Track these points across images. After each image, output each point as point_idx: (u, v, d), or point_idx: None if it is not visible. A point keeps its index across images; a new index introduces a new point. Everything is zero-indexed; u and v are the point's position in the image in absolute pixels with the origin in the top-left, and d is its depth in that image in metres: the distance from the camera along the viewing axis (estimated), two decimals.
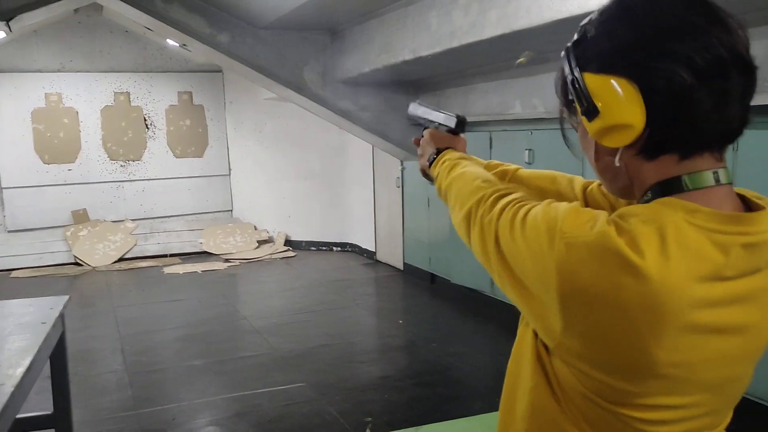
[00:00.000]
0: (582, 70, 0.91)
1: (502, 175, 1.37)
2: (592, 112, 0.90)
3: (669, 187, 0.89)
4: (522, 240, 0.91)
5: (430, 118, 1.43)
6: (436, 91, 6.60)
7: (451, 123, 1.40)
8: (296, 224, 9.51)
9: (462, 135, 1.42)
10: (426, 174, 1.41)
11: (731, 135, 0.90)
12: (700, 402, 0.92)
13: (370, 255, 8.69)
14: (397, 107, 6.94)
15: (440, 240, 6.87)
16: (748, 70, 0.87)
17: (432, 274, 7.15)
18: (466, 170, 1.20)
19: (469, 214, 1.07)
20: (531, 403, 0.99)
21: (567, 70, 0.93)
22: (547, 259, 0.86)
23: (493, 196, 1.03)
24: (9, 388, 2.07)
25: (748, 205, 0.93)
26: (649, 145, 0.90)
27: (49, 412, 3.25)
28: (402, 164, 7.60)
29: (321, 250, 9.36)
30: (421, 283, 7.25)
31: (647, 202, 0.90)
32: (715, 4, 0.88)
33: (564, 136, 1.01)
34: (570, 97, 0.94)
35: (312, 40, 6.41)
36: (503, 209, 0.98)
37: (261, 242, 9.45)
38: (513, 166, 1.42)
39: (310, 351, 5.15)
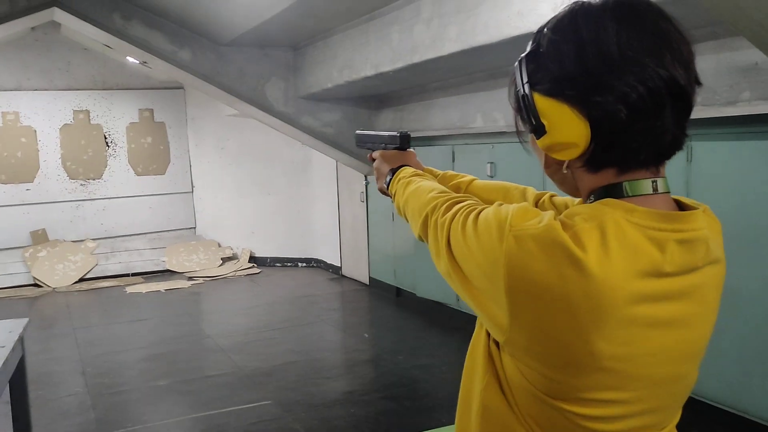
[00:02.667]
0: (532, 88, 0.97)
1: (456, 188, 1.43)
2: (539, 130, 0.97)
3: (611, 192, 0.96)
4: (474, 238, 0.96)
5: (376, 141, 1.50)
6: (398, 106, 6.67)
7: (396, 141, 1.47)
8: (260, 240, 9.46)
9: (410, 149, 1.49)
10: (385, 193, 1.45)
11: (667, 153, 0.97)
12: (643, 397, 0.96)
13: (335, 270, 8.69)
14: (359, 122, 6.99)
15: (405, 254, 6.91)
16: (684, 96, 0.93)
17: (397, 287, 7.18)
18: (421, 185, 1.25)
19: (425, 221, 1.12)
20: (483, 403, 1.03)
21: (519, 83, 0.99)
22: (497, 252, 0.91)
23: (447, 203, 1.09)
24: None
25: (683, 210, 0.99)
26: (592, 160, 0.97)
27: None
28: (366, 179, 7.63)
29: (286, 266, 9.32)
30: (386, 297, 7.27)
31: (591, 203, 0.97)
32: (659, 23, 0.93)
33: (520, 138, 1.07)
34: (521, 110, 1.00)
35: (274, 57, 6.43)
36: (456, 213, 1.03)
37: (225, 259, 9.38)
38: (468, 178, 1.49)
39: (275, 368, 5.13)
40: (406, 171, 1.37)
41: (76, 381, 5.03)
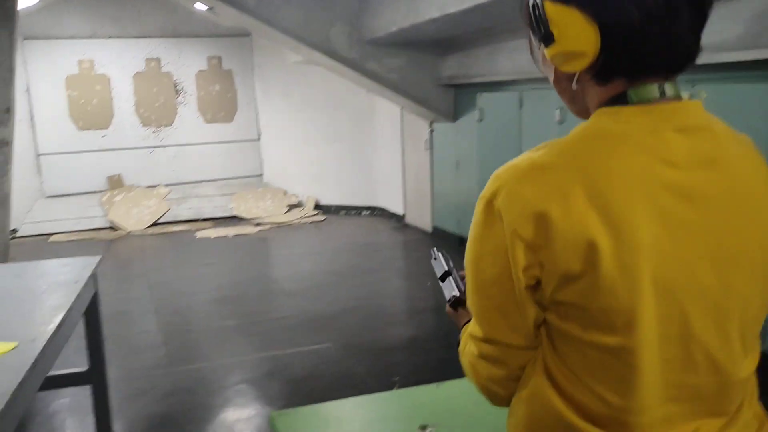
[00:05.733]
0: None
1: None
2: (548, 38, 0.96)
3: (615, 103, 0.96)
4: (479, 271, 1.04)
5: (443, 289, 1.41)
6: (464, 51, 6.49)
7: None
8: (325, 188, 9.53)
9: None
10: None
11: (680, 64, 0.95)
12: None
13: (398, 218, 8.69)
14: (425, 68, 6.86)
15: (469, 202, 6.83)
16: (699, 4, 0.91)
17: (460, 236, 7.13)
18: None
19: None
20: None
21: None
22: (498, 231, 0.98)
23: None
24: (41, 343, 2.12)
25: None
26: (602, 71, 0.96)
27: (84, 369, 3.35)
28: (430, 126, 7.53)
29: (350, 213, 9.39)
30: (450, 246, 7.21)
31: None
32: None
33: (533, 56, 1.08)
34: (531, 21, 1.00)
35: (339, 1, 6.33)
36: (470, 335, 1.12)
37: (291, 206, 9.51)
38: None
39: (338, 313, 5.20)
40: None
41: (149, 320, 5.24)
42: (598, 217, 0.90)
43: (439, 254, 1.46)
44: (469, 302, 1.06)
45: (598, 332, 0.93)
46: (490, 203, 0.97)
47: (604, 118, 0.95)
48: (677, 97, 0.96)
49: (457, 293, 1.31)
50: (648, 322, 0.91)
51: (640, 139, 0.93)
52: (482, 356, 1.04)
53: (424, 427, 1.77)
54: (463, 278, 1.32)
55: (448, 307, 1.32)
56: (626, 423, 0.95)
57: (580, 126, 0.99)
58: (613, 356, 0.93)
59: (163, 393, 3.88)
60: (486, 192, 0.98)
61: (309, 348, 4.47)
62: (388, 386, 3.78)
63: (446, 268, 1.38)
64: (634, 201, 0.91)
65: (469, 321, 1.23)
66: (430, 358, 4.21)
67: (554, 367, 0.99)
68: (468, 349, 1.09)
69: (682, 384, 0.95)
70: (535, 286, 0.97)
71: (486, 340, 1.03)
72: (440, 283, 1.38)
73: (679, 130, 0.93)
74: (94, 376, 3.34)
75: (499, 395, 1.08)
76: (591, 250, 0.89)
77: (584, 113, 1.03)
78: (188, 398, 3.80)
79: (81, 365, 3.35)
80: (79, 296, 2.76)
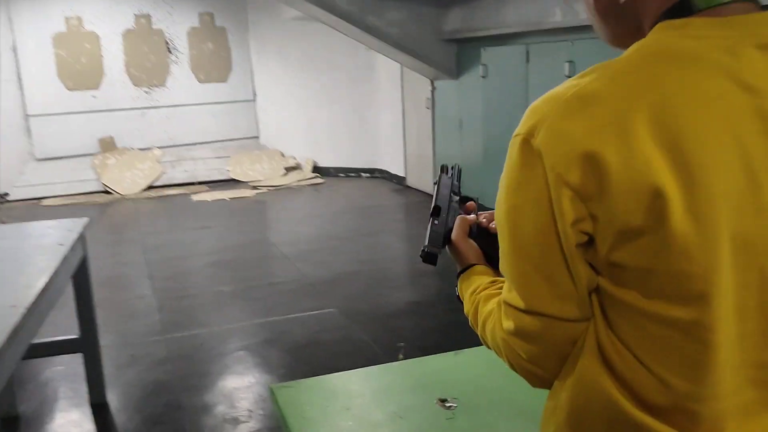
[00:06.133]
0: None
1: None
2: None
3: (676, 13, 0.78)
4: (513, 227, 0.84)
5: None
6: (468, 2, 6.21)
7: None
8: (324, 150, 9.30)
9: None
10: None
11: None
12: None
13: (399, 180, 8.49)
14: (426, 22, 6.59)
15: (472, 163, 6.62)
16: None
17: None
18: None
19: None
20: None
21: None
22: (538, 176, 0.78)
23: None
24: (21, 309, 1.95)
25: None
26: None
27: (75, 336, 3.18)
28: (432, 84, 7.28)
29: (349, 176, 9.17)
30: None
31: None
32: None
33: None
34: None
35: None
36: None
37: (288, 169, 9.30)
38: None
39: (339, 277, 5.04)
40: (469, 282, 1.06)
41: (144, 284, 5.07)
42: (665, 158, 0.71)
43: (442, 176, 1.19)
44: (504, 265, 0.86)
45: (664, 302, 0.75)
46: (526, 142, 0.78)
47: (668, 33, 0.77)
48: (756, 3, 0.76)
49: (426, 244, 1.06)
50: (726, 289, 0.73)
51: (716, 58, 0.74)
52: (520, 331, 0.85)
53: (444, 401, 1.59)
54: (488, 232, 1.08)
55: (427, 244, 1.07)
56: (693, 413, 0.77)
57: (636, 45, 0.79)
58: (681, 332, 0.75)
59: (158, 360, 3.72)
60: (521, 128, 0.80)
61: (310, 314, 4.31)
62: (394, 352, 3.63)
63: (435, 203, 1.11)
64: (709, 137, 0.71)
65: (467, 268, 1.05)
66: (436, 323, 4.06)
67: (607, 343, 0.80)
68: (497, 321, 0.89)
69: (762, 364, 0.78)
70: (587, 244, 0.78)
71: (527, 311, 0.83)
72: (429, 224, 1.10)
73: (763, 46, 0.74)
74: (86, 344, 3.18)
75: (542, 377, 0.89)
76: (657, 199, 0.71)
77: (632, 35, 0.83)
78: (184, 366, 3.64)
79: (74, 332, 3.19)
80: (65, 259, 2.57)
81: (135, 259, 5.79)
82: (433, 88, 7.27)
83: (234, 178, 9.13)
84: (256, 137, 9.77)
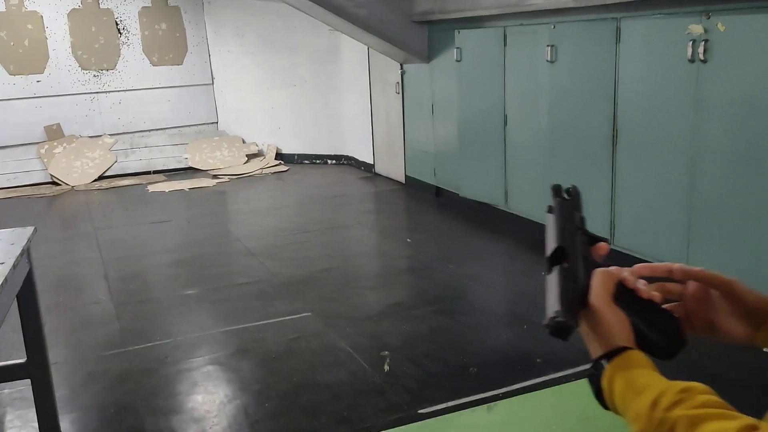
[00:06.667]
0: None
1: None
2: None
3: None
4: None
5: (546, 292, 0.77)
6: None
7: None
8: (287, 136, 8.91)
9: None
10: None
11: None
12: None
13: (367, 167, 8.17)
14: (396, 3, 6.26)
15: (446, 150, 6.35)
16: None
17: (437, 187, 6.66)
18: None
19: None
20: None
21: None
22: None
23: None
24: None
25: None
26: None
27: (22, 361, 2.81)
28: (401, 68, 6.95)
29: (315, 163, 8.81)
30: (425, 198, 6.76)
31: None
32: None
33: None
34: None
35: None
36: None
37: (250, 156, 8.88)
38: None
39: (312, 276, 4.72)
40: (629, 379, 0.71)
41: (99, 286, 4.68)
42: None
43: (558, 202, 0.83)
44: None
45: None
46: None
47: None
48: None
49: (558, 310, 0.71)
50: None
51: None
52: None
53: None
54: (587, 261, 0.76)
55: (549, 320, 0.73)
56: None
57: None
58: None
59: (118, 377, 3.37)
60: None
61: (283, 318, 3.99)
62: (378, 363, 3.35)
63: (557, 243, 0.77)
64: None
65: (618, 352, 0.72)
66: (421, 328, 3.78)
67: None
68: None
69: None
70: None
71: None
72: (546, 275, 0.78)
73: None
74: (34, 369, 2.81)
75: None
76: None
77: None
78: (148, 384, 3.30)
79: (19, 356, 2.82)
80: (7, 280, 2.21)
81: (88, 257, 5.37)
82: (403, 72, 6.95)
83: (192, 166, 8.68)
84: (215, 123, 9.30)
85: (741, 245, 3.57)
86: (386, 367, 3.30)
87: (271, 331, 3.83)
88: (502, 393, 2.93)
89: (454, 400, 2.92)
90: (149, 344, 3.73)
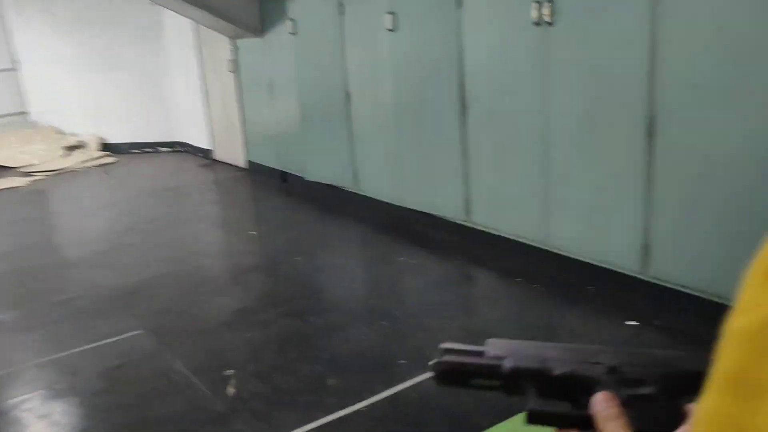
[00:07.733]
0: None
1: None
2: None
3: None
4: None
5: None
6: None
7: None
8: (111, 124, 8.03)
9: None
10: None
11: None
12: None
13: (205, 154, 7.54)
14: None
15: (289, 131, 5.90)
16: None
17: (282, 171, 6.21)
18: None
19: None
20: None
21: None
22: None
23: None
24: None
25: None
26: None
27: None
28: (234, 43, 6.38)
29: (146, 152, 8.02)
30: (270, 184, 6.29)
31: None
32: None
33: None
34: None
35: None
36: None
37: (70, 148, 7.91)
38: None
39: (144, 284, 4.13)
40: None
41: None
42: None
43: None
44: None
45: None
46: None
47: None
48: None
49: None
50: None
51: None
52: None
53: None
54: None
55: None
56: None
57: None
58: None
59: None
60: None
61: (108, 341, 3.41)
62: (222, 385, 2.90)
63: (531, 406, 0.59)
64: None
65: None
66: (269, 336, 3.36)
67: None
68: None
69: None
70: None
71: None
72: None
73: None
74: None
75: None
76: None
77: None
78: None
79: None
80: None
81: None
82: (236, 48, 6.39)
83: (0, 164, 7.59)
84: (24, 113, 8.20)
85: (595, 214, 3.47)
86: (230, 390, 2.86)
87: (95, 357, 3.25)
88: (366, 407, 2.61)
89: (310, 422, 2.56)
90: None
